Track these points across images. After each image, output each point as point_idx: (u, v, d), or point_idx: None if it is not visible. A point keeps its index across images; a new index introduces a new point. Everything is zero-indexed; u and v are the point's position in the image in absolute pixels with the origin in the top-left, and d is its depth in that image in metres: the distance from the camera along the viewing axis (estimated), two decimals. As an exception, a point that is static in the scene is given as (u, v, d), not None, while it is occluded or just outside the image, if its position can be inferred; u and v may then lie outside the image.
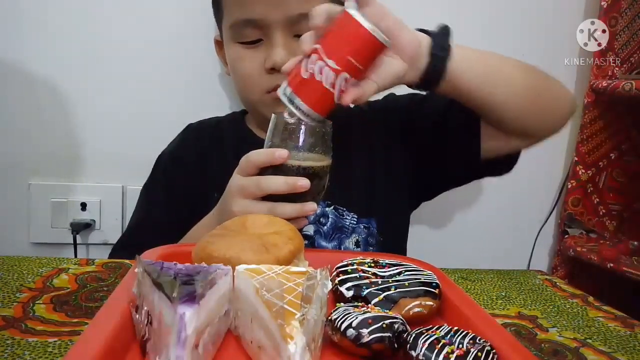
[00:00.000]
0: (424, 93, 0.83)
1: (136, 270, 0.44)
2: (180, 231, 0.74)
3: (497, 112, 0.71)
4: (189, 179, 0.86)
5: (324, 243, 0.80)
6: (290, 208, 0.60)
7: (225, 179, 0.88)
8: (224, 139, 0.91)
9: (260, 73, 0.80)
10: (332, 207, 0.82)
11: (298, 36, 0.79)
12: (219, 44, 0.92)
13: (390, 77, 0.62)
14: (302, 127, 0.61)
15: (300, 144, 0.61)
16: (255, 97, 0.83)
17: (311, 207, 0.61)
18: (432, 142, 0.83)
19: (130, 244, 0.83)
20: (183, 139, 0.92)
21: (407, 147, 0.86)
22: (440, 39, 0.64)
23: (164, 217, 0.84)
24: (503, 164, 0.82)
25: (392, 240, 0.85)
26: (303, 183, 0.59)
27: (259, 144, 0.88)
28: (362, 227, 0.82)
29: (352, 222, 0.82)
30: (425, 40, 0.64)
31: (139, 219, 0.87)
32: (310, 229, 0.80)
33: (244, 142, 0.90)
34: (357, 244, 0.81)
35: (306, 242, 0.79)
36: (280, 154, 0.59)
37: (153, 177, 0.89)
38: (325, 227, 0.81)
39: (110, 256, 0.83)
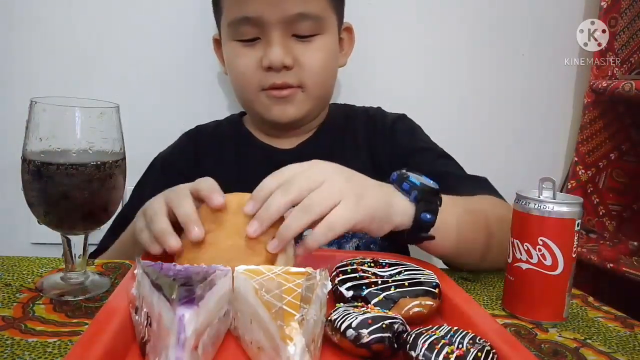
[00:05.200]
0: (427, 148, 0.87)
1: (135, 271, 0.44)
2: None
3: (451, 263, 0.72)
4: (181, 182, 0.86)
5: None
6: None
7: (221, 179, 0.87)
8: (223, 140, 0.92)
9: (255, 70, 0.81)
10: None
11: (295, 36, 0.80)
12: (218, 42, 0.93)
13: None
14: None
15: None
16: (250, 95, 0.84)
17: None
18: None
19: (110, 241, 0.82)
20: (179, 145, 0.93)
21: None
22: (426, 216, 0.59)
23: None
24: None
25: (395, 244, 0.84)
26: None
27: (257, 144, 0.89)
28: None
29: None
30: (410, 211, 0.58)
31: (121, 216, 0.86)
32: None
33: (243, 142, 0.91)
34: (357, 248, 0.80)
35: None
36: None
37: (144, 178, 0.90)
38: None
39: (96, 250, 0.83)
